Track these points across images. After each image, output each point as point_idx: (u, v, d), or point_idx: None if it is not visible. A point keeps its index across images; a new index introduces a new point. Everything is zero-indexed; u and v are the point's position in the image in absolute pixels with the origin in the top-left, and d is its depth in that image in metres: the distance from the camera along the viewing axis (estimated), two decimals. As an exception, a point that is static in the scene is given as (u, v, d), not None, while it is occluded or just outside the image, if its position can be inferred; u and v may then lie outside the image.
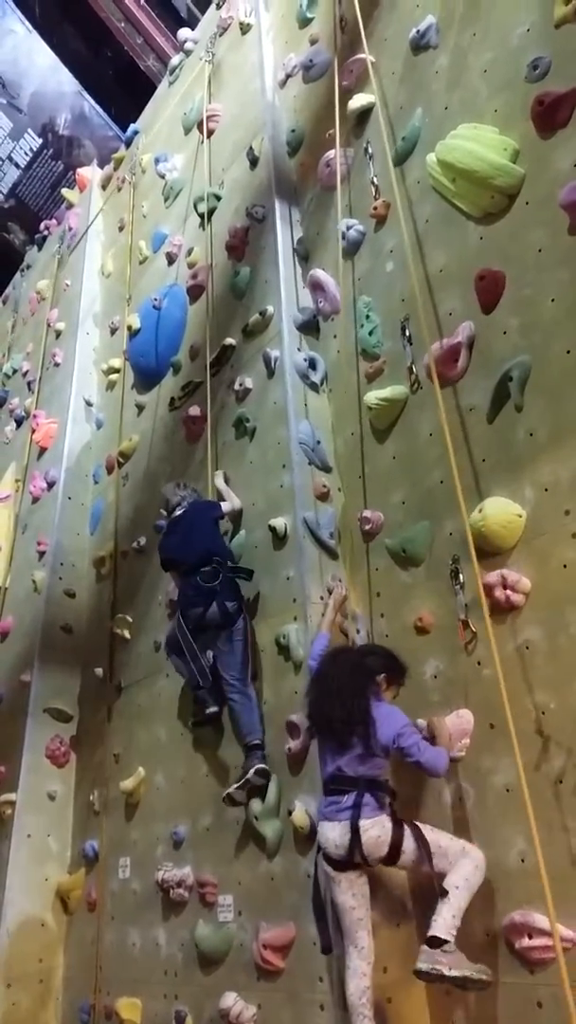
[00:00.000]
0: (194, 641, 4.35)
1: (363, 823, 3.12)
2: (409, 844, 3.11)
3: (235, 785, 3.97)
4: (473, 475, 3.66)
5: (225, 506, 4.79)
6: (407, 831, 3.12)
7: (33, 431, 8.10)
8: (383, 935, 3.44)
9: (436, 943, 2.90)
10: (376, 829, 3.12)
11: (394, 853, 3.11)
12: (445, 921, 2.93)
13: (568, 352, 3.35)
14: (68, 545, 6.81)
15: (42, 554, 6.85)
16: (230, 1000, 3.71)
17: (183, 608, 4.44)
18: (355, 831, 3.11)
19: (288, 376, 4.76)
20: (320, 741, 3.44)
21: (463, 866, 3.01)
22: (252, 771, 3.92)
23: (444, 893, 2.99)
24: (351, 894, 3.17)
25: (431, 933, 2.93)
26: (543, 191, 3.61)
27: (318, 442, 4.60)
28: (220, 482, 4.97)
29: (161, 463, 5.97)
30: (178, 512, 4.85)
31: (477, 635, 3.43)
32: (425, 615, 3.72)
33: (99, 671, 5.88)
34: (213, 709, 4.33)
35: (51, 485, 7.31)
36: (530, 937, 2.98)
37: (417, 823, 3.17)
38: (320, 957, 3.39)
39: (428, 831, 3.13)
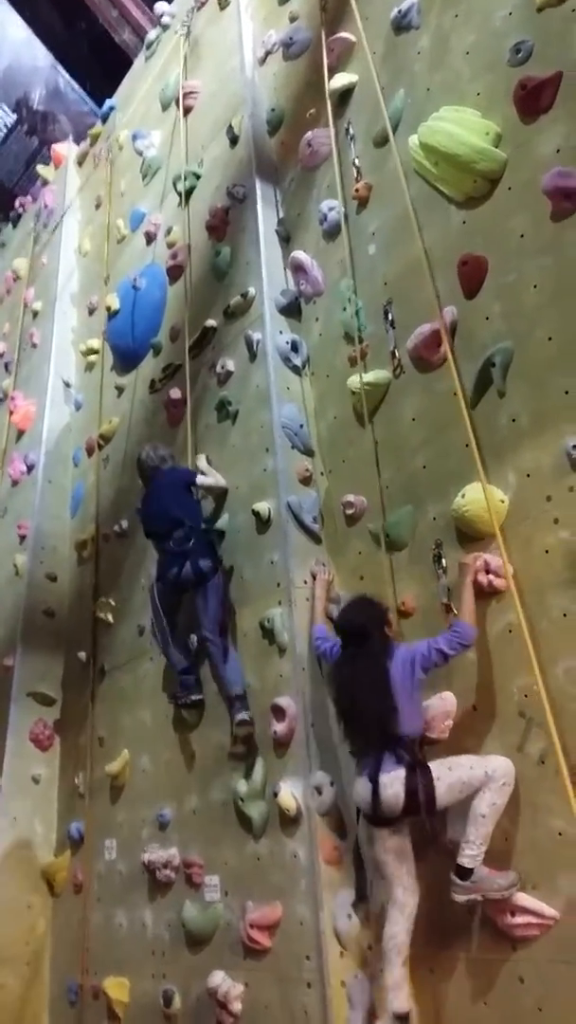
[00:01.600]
0: (166, 616, 4.57)
1: (382, 777, 3.19)
2: (422, 793, 3.13)
3: (231, 747, 4.15)
4: (455, 460, 3.69)
5: (207, 479, 4.80)
6: (419, 780, 3.14)
7: (11, 413, 8.03)
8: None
9: (464, 874, 3.01)
10: (392, 781, 3.17)
11: (412, 804, 3.14)
12: (471, 850, 3.01)
13: (550, 339, 3.37)
14: (49, 529, 6.78)
15: (23, 538, 6.82)
16: (218, 979, 3.77)
17: (160, 573, 4.63)
18: (375, 785, 3.18)
19: (270, 359, 4.74)
20: (346, 722, 3.48)
21: (489, 790, 3.05)
22: (235, 724, 4.07)
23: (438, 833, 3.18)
24: (382, 850, 3.25)
25: (459, 862, 3.03)
26: (525, 176, 3.60)
27: (301, 425, 4.60)
28: (203, 463, 4.96)
29: (142, 445, 5.93)
30: (154, 480, 4.93)
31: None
32: (408, 599, 3.76)
33: (82, 655, 5.89)
34: (196, 697, 4.45)
35: (31, 468, 7.26)
36: (512, 915, 3.05)
37: (431, 764, 3.18)
38: (307, 936, 3.46)
39: (446, 769, 3.14)
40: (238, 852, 3.96)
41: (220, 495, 4.84)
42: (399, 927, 3.16)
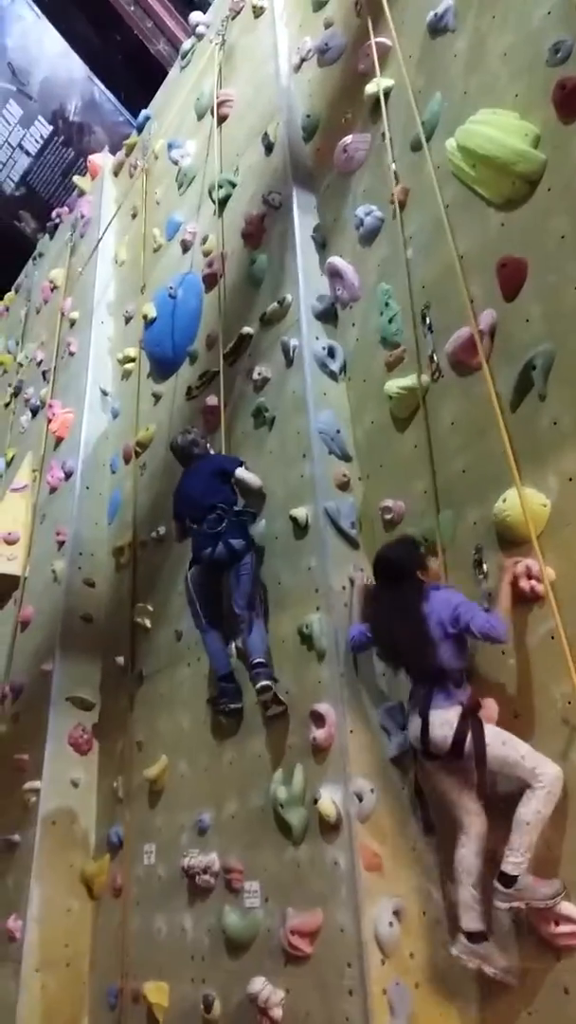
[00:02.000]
0: (204, 605, 4.74)
1: (432, 714, 3.26)
2: (470, 744, 3.18)
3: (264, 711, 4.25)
4: (496, 464, 3.66)
5: (246, 474, 4.83)
6: (471, 732, 3.19)
7: (49, 421, 8.11)
8: (411, 916, 3.50)
9: (508, 881, 3.01)
10: (442, 723, 3.24)
11: (458, 749, 3.19)
12: (515, 858, 3.01)
13: (593, 340, 3.33)
14: (87, 535, 6.83)
15: (61, 544, 6.87)
16: (258, 984, 3.75)
17: (195, 554, 4.76)
18: (424, 720, 3.26)
19: (307, 365, 4.75)
20: (391, 660, 3.68)
21: (535, 797, 3.03)
22: (256, 691, 4.18)
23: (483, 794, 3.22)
24: (440, 779, 3.35)
25: (503, 869, 3.03)
26: (566, 177, 3.58)
27: (338, 431, 4.60)
28: (241, 471, 4.96)
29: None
30: (192, 464, 5.05)
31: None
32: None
33: (120, 660, 5.93)
34: (235, 705, 4.50)
35: (68, 475, 7.32)
36: (557, 924, 3.01)
37: (490, 728, 3.21)
38: (348, 943, 3.43)
39: (500, 741, 3.16)
40: (278, 858, 3.95)
41: (255, 497, 4.85)
42: (466, 849, 3.24)
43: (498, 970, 3.11)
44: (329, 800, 3.65)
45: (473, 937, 3.14)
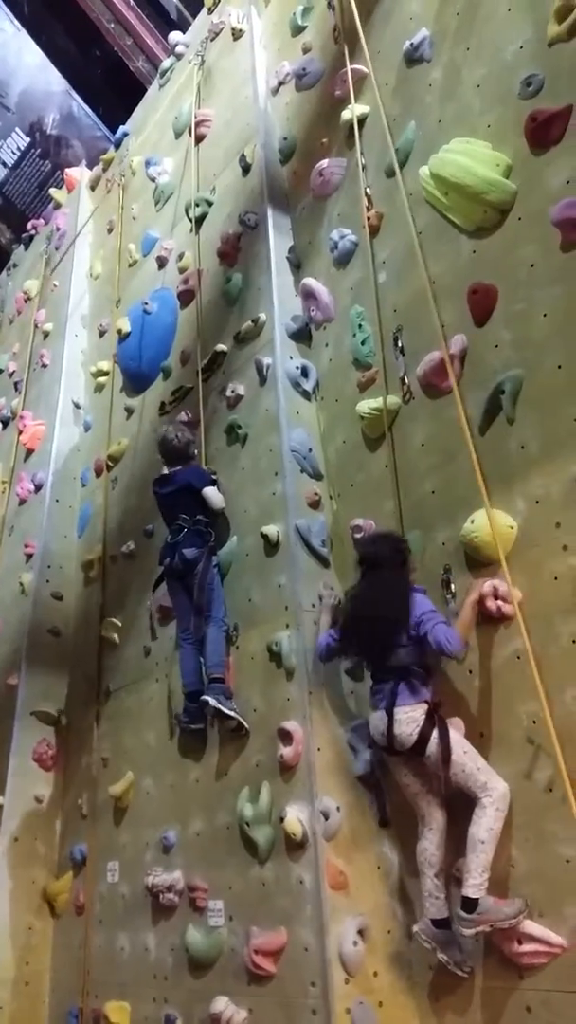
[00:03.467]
0: (177, 609, 4.86)
1: (397, 710, 3.31)
2: (433, 746, 3.24)
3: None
4: (464, 486, 3.72)
5: (211, 494, 4.83)
6: (436, 731, 3.25)
7: (20, 432, 8.07)
8: (375, 934, 3.51)
9: (470, 906, 3.02)
10: (408, 720, 3.29)
11: (420, 746, 3.26)
12: (474, 880, 3.04)
13: (560, 367, 3.41)
14: (56, 548, 6.80)
15: (29, 556, 6.83)
16: (221, 1004, 3.74)
17: (160, 563, 4.90)
18: (390, 716, 3.31)
19: (280, 384, 4.78)
20: (359, 648, 3.68)
21: (485, 815, 3.09)
22: (207, 707, 4.27)
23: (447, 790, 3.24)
24: (402, 774, 3.40)
25: (464, 893, 3.05)
26: (536, 207, 3.66)
27: (310, 450, 4.64)
28: (208, 491, 4.92)
29: (151, 468, 5.96)
30: (175, 468, 5.04)
31: (468, 644, 3.46)
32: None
33: (87, 674, 5.89)
34: (197, 726, 4.53)
35: (39, 487, 7.29)
36: (519, 943, 3.04)
37: (452, 733, 3.27)
38: (312, 962, 3.43)
39: (462, 749, 3.23)
40: (243, 877, 3.94)
41: (221, 516, 4.89)
42: (427, 841, 3.30)
43: (452, 960, 3.16)
44: (295, 818, 3.66)
45: (438, 923, 3.19)
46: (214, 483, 4.90)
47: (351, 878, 3.59)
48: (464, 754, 3.22)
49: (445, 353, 3.84)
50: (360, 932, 3.48)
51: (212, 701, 4.20)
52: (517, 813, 3.17)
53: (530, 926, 3.02)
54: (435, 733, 3.25)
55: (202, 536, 4.74)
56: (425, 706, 3.32)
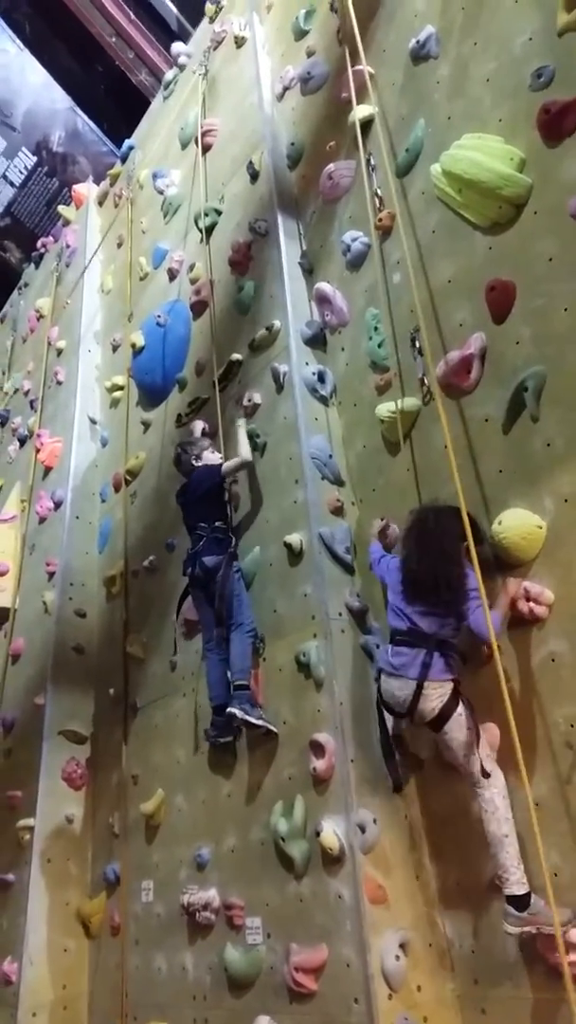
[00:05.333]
0: (202, 618, 4.79)
1: (428, 685, 3.23)
2: (456, 722, 3.19)
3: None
4: (490, 486, 3.65)
5: (229, 465, 4.82)
6: (462, 709, 3.21)
7: (37, 450, 8.07)
8: (417, 948, 3.43)
9: (521, 903, 2.95)
10: (435, 696, 3.22)
11: (439, 721, 3.20)
12: (514, 875, 2.98)
13: (584, 361, 3.33)
14: (77, 565, 6.77)
15: (51, 575, 6.81)
16: (263, 1023, 3.67)
17: (183, 572, 4.87)
18: (419, 689, 3.22)
19: (297, 390, 4.74)
20: (397, 592, 3.50)
21: (497, 808, 3.07)
22: (235, 717, 4.17)
23: (478, 782, 3.15)
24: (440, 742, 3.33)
25: (508, 892, 2.98)
26: (552, 200, 3.59)
27: (330, 456, 4.58)
28: (242, 432, 4.91)
29: (170, 480, 5.93)
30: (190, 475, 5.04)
31: (501, 647, 3.38)
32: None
33: (113, 691, 5.85)
34: (225, 739, 4.47)
35: (58, 505, 7.27)
36: (567, 952, 2.95)
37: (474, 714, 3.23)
38: (355, 978, 3.36)
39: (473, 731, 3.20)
40: (280, 893, 3.87)
41: (251, 471, 4.90)
42: (491, 825, 3.08)
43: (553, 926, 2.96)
44: (331, 832, 3.58)
45: (519, 903, 2.99)
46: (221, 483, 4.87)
47: (390, 891, 3.52)
48: (480, 737, 3.21)
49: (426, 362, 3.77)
50: (402, 946, 3.40)
51: (239, 713, 4.14)
52: (558, 819, 3.10)
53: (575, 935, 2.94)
54: (458, 711, 3.20)
55: (221, 543, 4.69)
56: (452, 683, 3.27)
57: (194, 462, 5.02)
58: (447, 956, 3.49)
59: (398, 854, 3.62)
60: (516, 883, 2.97)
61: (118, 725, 5.66)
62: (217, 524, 4.75)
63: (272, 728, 4.13)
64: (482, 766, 3.15)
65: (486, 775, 3.15)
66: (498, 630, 3.20)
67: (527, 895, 2.97)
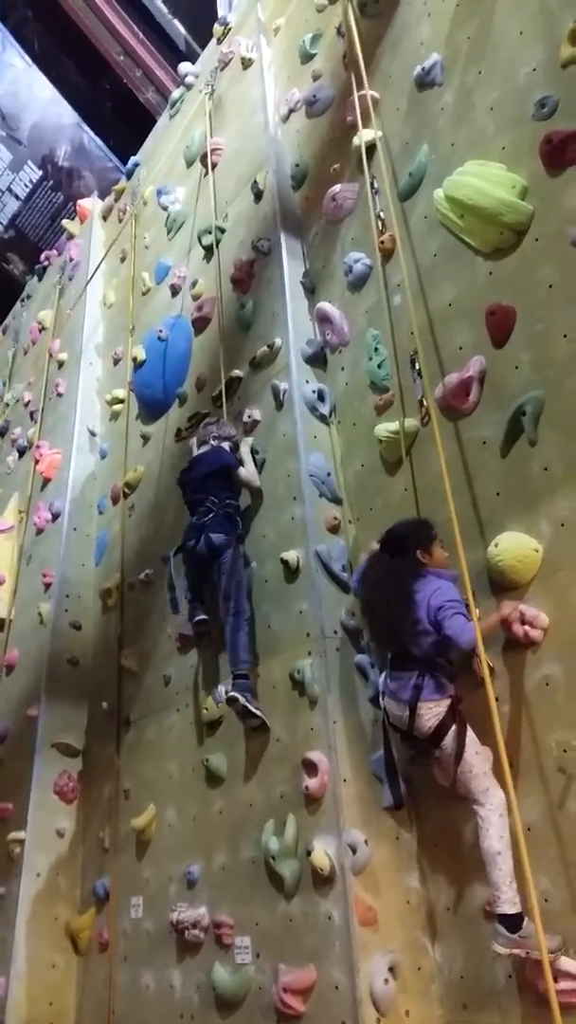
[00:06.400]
0: (191, 587, 4.81)
1: (422, 705, 3.27)
2: (449, 740, 3.22)
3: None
4: (487, 509, 3.67)
5: (243, 472, 4.82)
6: (454, 729, 3.23)
7: (36, 461, 8.09)
8: (406, 971, 3.41)
9: (512, 924, 2.93)
10: (431, 715, 3.26)
11: (437, 737, 3.24)
12: (506, 894, 2.96)
13: (582, 388, 3.36)
14: (73, 577, 6.78)
15: (47, 586, 6.81)
16: (250, 1045, 3.65)
17: (182, 542, 4.79)
18: (412, 711, 3.27)
19: (297, 408, 4.77)
20: (374, 634, 3.77)
21: (492, 825, 3.05)
22: (226, 697, 4.24)
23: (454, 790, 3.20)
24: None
25: (499, 911, 2.96)
26: (552, 228, 3.64)
27: (328, 474, 4.61)
28: (246, 449, 4.94)
29: (168, 494, 5.96)
30: (201, 450, 5.02)
31: (494, 670, 3.40)
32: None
33: (106, 705, 5.84)
34: (201, 616, 4.67)
35: (56, 516, 7.28)
36: (556, 980, 2.94)
37: (468, 732, 3.24)
38: (343, 1001, 3.34)
39: (474, 750, 3.21)
40: (270, 912, 3.85)
41: (255, 496, 4.88)
42: (485, 841, 3.05)
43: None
44: (322, 852, 3.57)
45: (510, 923, 2.96)
46: (242, 464, 4.85)
47: (380, 913, 3.50)
48: (476, 755, 3.20)
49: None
50: (391, 969, 3.38)
51: (241, 699, 4.15)
52: (550, 845, 3.09)
53: (565, 963, 2.93)
54: (453, 728, 3.22)
55: (231, 521, 4.66)
56: (449, 701, 3.29)
57: (212, 440, 5.00)
58: (436, 980, 3.48)
59: (389, 876, 3.61)
60: (507, 902, 2.96)
61: (111, 739, 5.65)
62: (228, 501, 4.72)
63: (266, 721, 4.16)
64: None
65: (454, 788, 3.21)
66: (470, 638, 3.18)
67: (519, 916, 2.95)
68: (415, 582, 3.42)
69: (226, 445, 4.98)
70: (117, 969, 4.84)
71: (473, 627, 3.20)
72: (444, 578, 3.46)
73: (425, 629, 3.32)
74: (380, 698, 3.55)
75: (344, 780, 3.71)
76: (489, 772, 3.18)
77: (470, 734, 3.24)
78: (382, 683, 3.54)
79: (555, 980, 2.92)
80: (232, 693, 4.20)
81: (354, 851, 3.55)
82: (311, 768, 3.80)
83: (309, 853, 3.62)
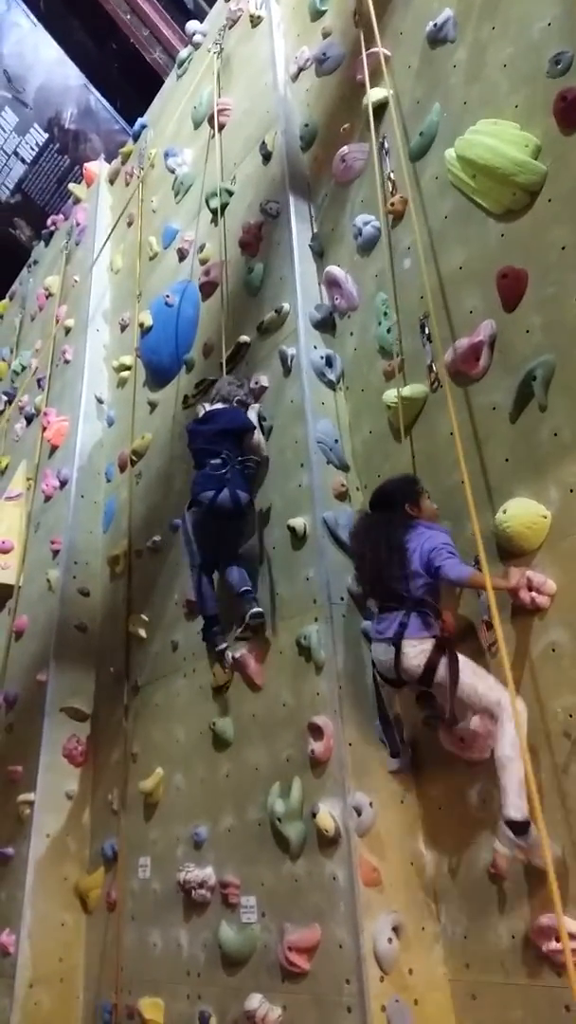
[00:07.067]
0: (201, 548, 4.73)
1: (406, 643, 3.29)
2: (442, 671, 3.23)
3: (238, 631, 4.41)
4: (495, 475, 3.65)
5: (256, 438, 4.80)
6: (444, 659, 3.24)
7: (44, 429, 8.08)
8: (409, 931, 3.45)
9: (517, 828, 2.93)
10: (416, 652, 3.27)
11: (428, 676, 3.25)
12: (512, 800, 2.96)
13: (594, 351, 3.32)
14: (82, 544, 6.79)
15: (56, 553, 6.83)
16: (255, 1002, 3.70)
17: (193, 495, 4.67)
18: (397, 649, 3.28)
19: (305, 374, 4.73)
20: (371, 590, 3.76)
21: (505, 732, 3.06)
22: (248, 615, 4.31)
23: (454, 721, 3.26)
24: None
25: (505, 815, 2.97)
26: (566, 188, 3.56)
27: (336, 440, 4.58)
28: (254, 415, 4.89)
29: (175, 461, 5.95)
30: (216, 406, 4.96)
31: (492, 627, 3.38)
32: (447, 616, 3.69)
33: (114, 670, 5.88)
34: (222, 647, 4.67)
35: (63, 483, 7.29)
36: (557, 940, 2.97)
37: (460, 657, 3.25)
38: (347, 959, 3.39)
39: (468, 671, 3.22)
40: (275, 873, 3.91)
41: (262, 462, 4.87)
42: (497, 748, 3.08)
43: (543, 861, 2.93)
44: (327, 814, 3.61)
45: (516, 827, 2.97)
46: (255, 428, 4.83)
47: (384, 874, 3.54)
48: (473, 674, 3.22)
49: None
50: (395, 929, 3.43)
51: (257, 608, 4.31)
52: (554, 809, 3.10)
53: (569, 923, 2.94)
54: (443, 660, 3.22)
55: (249, 479, 4.68)
56: (434, 640, 3.30)
57: (234, 401, 4.92)
58: (439, 940, 3.52)
59: (394, 838, 3.64)
60: (512, 806, 2.94)
61: (119, 703, 5.70)
62: (247, 459, 4.70)
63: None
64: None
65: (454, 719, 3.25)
66: (461, 573, 3.27)
67: (525, 823, 2.93)
68: (406, 533, 3.48)
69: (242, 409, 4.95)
70: (125, 928, 4.93)
71: (469, 568, 3.28)
72: (435, 528, 3.53)
73: (416, 571, 3.37)
74: (370, 648, 3.58)
75: (350, 744, 3.74)
76: (493, 683, 3.20)
77: (464, 660, 3.25)
78: (371, 628, 3.58)
79: (556, 940, 2.96)
80: (258, 608, 4.31)
81: (359, 813, 3.58)
82: (317, 732, 3.82)
83: (314, 815, 3.65)
